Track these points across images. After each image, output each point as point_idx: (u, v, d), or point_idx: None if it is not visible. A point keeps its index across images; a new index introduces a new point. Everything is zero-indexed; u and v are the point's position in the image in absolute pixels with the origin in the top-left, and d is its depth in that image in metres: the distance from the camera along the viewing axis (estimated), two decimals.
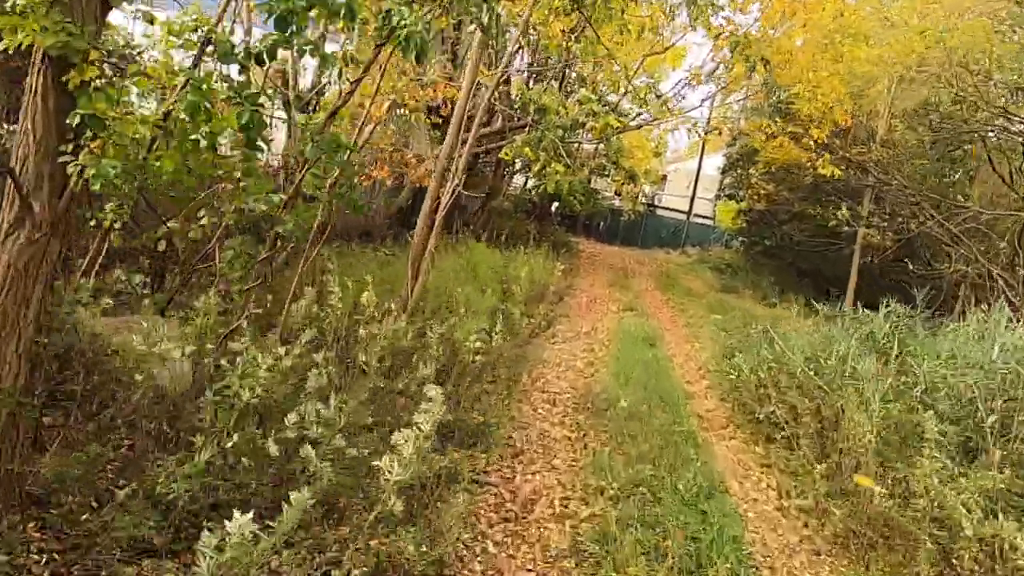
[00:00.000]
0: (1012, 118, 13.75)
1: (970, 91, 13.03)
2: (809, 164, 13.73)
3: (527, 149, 10.08)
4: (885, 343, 7.38)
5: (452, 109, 13.46)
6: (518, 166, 22.02)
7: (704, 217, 32.53)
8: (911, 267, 11.55)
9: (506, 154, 10.54)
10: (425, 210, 5.70)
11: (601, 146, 22.23)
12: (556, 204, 25.99)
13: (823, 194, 17.25)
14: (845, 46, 14.24)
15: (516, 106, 11.01)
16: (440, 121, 12.74)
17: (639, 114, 12.42)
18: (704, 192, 33.06)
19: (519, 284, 10.09)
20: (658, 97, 10.48)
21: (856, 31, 14.32)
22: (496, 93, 11.17)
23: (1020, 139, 13.27)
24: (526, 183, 22.15)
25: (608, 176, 21.11)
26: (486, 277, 9.66)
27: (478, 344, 5.48)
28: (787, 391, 6.78)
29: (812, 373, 6.58)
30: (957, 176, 15.97)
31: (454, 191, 5.59)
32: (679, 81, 12.83)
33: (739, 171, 19.92)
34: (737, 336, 11.58)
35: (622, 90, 12.38)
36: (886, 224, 13.10)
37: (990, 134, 17.00)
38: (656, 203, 33.79)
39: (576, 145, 19.22)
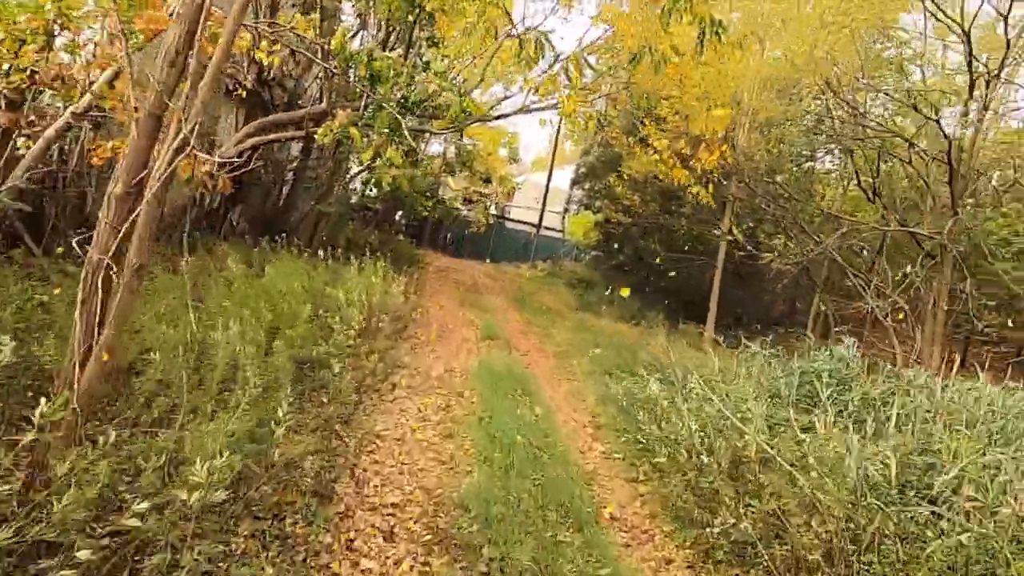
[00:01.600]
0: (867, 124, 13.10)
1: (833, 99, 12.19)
2: (686, 183, 12.02)
3: (353, 130, 7.13)
4: (852, 399, 5.43)
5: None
6: (355, 169, 18.85)
7: (553, 230, 31.18)
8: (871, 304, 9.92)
9: (324, 135, 7.51)
10: (118, 191, 2.61)
11: (451, 149, 19.65)
12: (400, 212, 23.03)
13: (685, 207, 16.01)
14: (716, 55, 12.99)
15: (338, 68, 8.07)
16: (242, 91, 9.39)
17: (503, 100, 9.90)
18: (552, 205, 31.80)
19: (343, 314, 7.11)
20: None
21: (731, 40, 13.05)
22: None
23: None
24: (366, 187, 18.88)
25: (459, 175, 18.53)
26: (291, 308, 6.55)
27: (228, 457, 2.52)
28: (749, 483, 4.51)
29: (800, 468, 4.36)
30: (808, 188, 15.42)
31: (181, 148, 2.58)
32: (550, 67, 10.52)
33: (596, 181, 18.26)
34: (618, 369, 9.47)
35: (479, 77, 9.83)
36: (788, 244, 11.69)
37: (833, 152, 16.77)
38: (505, 215, 31.91)
39: (423, 144, 16.39)
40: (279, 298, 6.82)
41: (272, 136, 9.39)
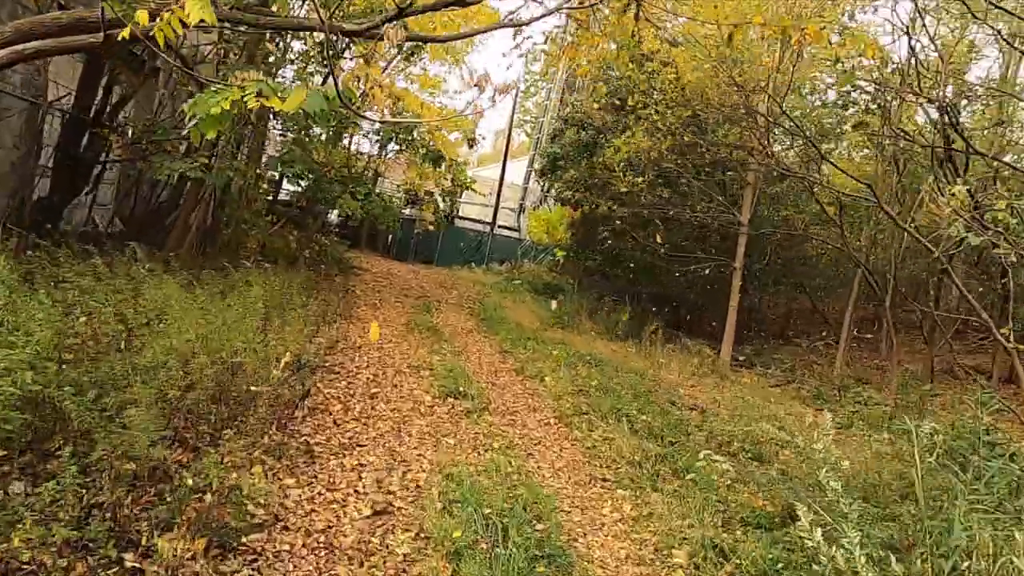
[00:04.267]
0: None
1: None
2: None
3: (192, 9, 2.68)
4: None
5: None
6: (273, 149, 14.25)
7: (506, 228, 26.96)
8: None
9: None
10: None
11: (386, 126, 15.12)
12: (323, 207, 18.27)
13: (691, 196, 12.11)
14: None
15: None
16: None
17: None
18: (505, 201, 27.65)
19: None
20: None
21: None
22: None
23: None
24: (282, 176, 14.16)
25: (400, 148, 14.07)
26: None
27: None
28: None
29: None
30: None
31: None
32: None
33: (570, 169, 14.12)
34: (677, 447, 5.39)
35: None
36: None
37: None
38: (455, 212, 27.45)
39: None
40: None
41: (45, 44, 4.78)
